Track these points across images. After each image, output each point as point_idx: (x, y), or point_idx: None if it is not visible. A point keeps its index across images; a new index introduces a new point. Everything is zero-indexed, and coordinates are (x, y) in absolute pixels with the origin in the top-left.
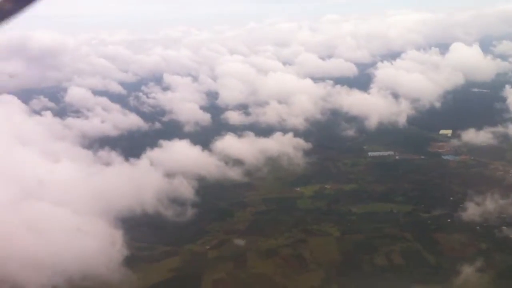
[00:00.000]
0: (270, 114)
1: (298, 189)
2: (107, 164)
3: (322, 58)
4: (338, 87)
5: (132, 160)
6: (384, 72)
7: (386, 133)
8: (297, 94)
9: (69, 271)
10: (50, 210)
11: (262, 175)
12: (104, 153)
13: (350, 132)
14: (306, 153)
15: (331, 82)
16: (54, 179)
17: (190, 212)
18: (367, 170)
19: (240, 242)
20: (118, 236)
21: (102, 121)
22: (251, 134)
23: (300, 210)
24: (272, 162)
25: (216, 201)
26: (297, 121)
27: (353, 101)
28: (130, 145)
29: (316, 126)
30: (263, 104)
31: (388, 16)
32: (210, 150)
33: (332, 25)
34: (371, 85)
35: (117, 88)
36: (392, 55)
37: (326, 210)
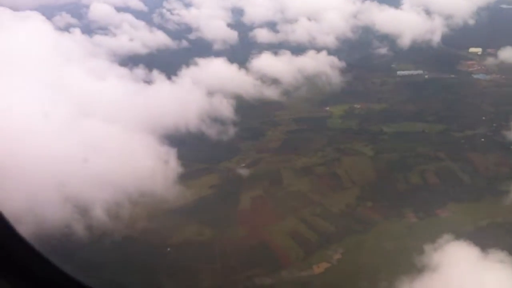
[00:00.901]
0: (299, 32)
1: (328, 108)
2: (146, 82)
3: None
4: (367, 2)
5: (168, 78)
6: None
7: (415, 51)
8: (327, 11)
9: (127, 188)
10: (103, 128)
11: (291, 94)
12: (139, 71)
13: (379, 50)
14: (335, 72)
15: None
16: (103, 97)
17: (222, 130)
18: (397, 89)
19: (274, 160)
20: (168, 153)
21: (131, 39)
22: (283, 52)
23: (331, 129)
24: (301, 81)
25: (247, 120)
26: (328, 39)
27: (384, 17)
28: (163, 63)
29: (346, 44)
30: (292, 21)
31: None
32: (240, 68)
33: None
34: (402, 1)
35: (137, 4)
36: None
37: (357, 130)
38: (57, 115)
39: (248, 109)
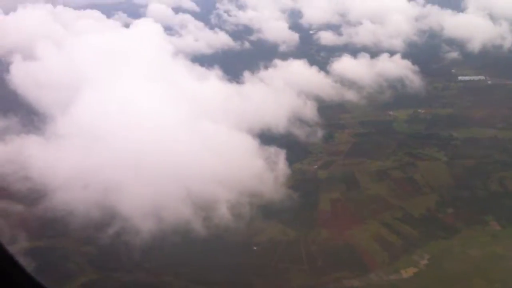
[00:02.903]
0: (363, 35)
1: (391, 112)
2: (235, 82)
3: None
4: (429, 6)
5: (245, 78)
6: None
7: (478, 56)
8: (390, 14)
9: (238, 187)
10: (212, 127)
11: (353, 97)
12: (216, 71)
13: (447, 55)
14: (397, 75)
15: (422, 0)
16: (204, 97)
17: (292, 131)
18: (460, 95)
19: (346, 163)
20: (271, 153)
21: (196, 39)
22: (344, 54)
23: (399, 134)
24: (360, 83)
25: (313, 121)
26: (393, 42)
27: (450, 22)
28: (233, 63)
29: (412, 48)
30: (355, 24)
31: None
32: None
33: None
34: (462, 4)
35: (190, 5)
36: None
37: (426, 134)
38: (171, 114)
39: (313, 111)
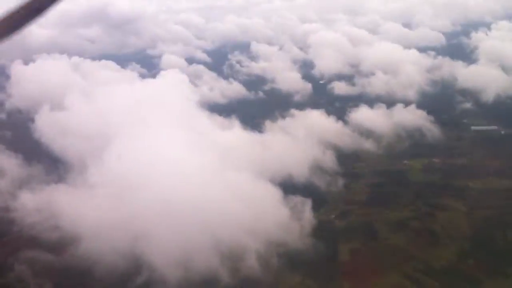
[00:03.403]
0: (377, 85)
1: (406, 161)
2: (256, 131)
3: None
4: (440, 58)
5: (260, 127)
6: (491, 43)
7: (488, 106)
8: (402, 65)
9: (262, 236)
10: (236, 176)
11: (367, 146)
12: (233, 120)
13: (460, 105)
14: (412, 125)
15: (432, 52)
16: (227, 145)
17: (309, 179)
18: (474, 145)
19: (364, 212)
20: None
21: (211, 89)
22: (358, 103)
23: (415, 183)
24: (375, 133)
25: (327, 171)
26: (407, 92)
27: (463, 73)
28: (250, 113)
29: (425, 98)
30: (367, 74)
31: None
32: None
33: None
34: (472, 55)
35: (202, 56)
36: (474, 25)
37: (442, 184)
38: (198, 162)
39: (327, 160)
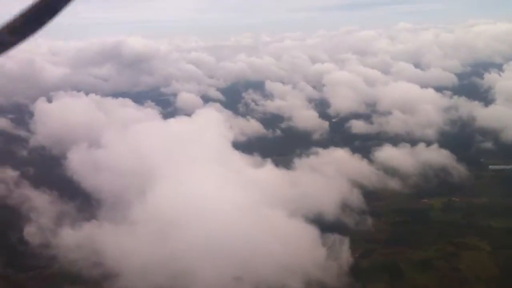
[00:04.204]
0: (394, 124)
1: (425, 200)
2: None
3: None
4: (456, 97)
5: (284, 164)
6: (506, 84)
7: (508, 146)
8: (419, 105)
9: (302, 274)
10: (272, 213)
11: (386, 185)
12: (256, 157)
13: (481, 145)
14: (428, 164)
15: (449, 92)
16: (260, 182)
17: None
18: (493, 184)
19: (387, 252)
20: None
21: (229, 127)
22: (377, 142)
23: (437, 222)
24: (394, 171)
25: (349, 208)
26: (426, 131)
27: (479, 112)
28: (269, 150)
29: (444, 137)
30: (384, 113)
31: (469, 25)
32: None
33: (409, 34)
34: (488, 95)
35: (216, 94)
36: (483, 66)
37: (465, 223)
38: (236, 200)
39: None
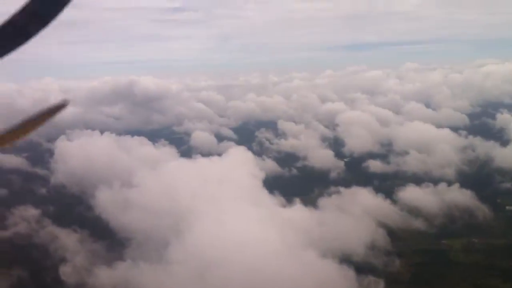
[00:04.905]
0: (412, 164)
1: (445, 241)
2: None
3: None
4: (471, 137)
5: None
6: None
7: None
8: (436, 145)
9: None
10: (305, 253)
11: (407, 225)
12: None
13: (490, 185)
14: (450, 205)
15: (464, 132)
16: (291, 222)
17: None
18: (510, 225)
19: None
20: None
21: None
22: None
23: (458, 264)
24: (415, 210)
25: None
26: (444, 171)
27: (496, 152)
28: (289, 189)
29: (462, 177)
30: (401, 153)
31: (477, 65)
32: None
33: (416, 74)
34: (502, 135)
35: (228, 133)
36: (493, 106)
37: (486, 265)
38: (270, 240)
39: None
